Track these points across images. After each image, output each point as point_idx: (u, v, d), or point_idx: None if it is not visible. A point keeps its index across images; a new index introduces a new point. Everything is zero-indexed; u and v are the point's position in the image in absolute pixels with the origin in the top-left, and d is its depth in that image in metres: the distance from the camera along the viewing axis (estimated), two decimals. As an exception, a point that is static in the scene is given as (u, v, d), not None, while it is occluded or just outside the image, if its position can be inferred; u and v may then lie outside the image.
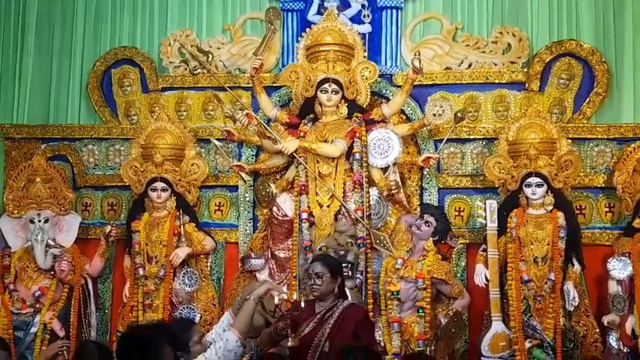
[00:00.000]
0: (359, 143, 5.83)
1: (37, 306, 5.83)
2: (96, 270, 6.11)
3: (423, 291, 5.38)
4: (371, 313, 5.45)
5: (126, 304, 5.92)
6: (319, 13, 6.32)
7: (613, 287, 5.44)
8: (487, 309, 5.50)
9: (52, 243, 5.94)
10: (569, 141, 5.79)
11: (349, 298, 4.96)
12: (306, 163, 5.81)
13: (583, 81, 6.05)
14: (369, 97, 6.05)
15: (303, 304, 4.44)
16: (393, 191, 5.72)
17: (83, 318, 5.97)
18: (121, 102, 6.62)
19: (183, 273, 5.80)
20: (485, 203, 5.58)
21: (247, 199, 6.24)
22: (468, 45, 6.29)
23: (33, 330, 5.74)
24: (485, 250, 5.54)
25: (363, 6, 6.34)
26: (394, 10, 6.34)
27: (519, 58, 6.19)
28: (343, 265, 5.34)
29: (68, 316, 5.90)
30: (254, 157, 6.29)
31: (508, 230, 5.56)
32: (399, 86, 6.06)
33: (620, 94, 6.07)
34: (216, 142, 6.08)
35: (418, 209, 5.95)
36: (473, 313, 5.69)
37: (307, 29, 6.19)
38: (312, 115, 5.98)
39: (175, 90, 6.55)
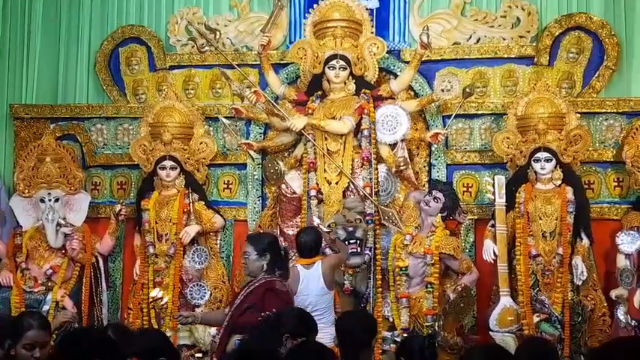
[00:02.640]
0: (367, 120, 5.82)
1: (49, 284, 5.90)
2: (106, 248, 6.16)
3: (431, 266, 5.40)
4: (379, 289, 5.51)
5: (136, 281, 5.97)
6: (326, -12, 6.28)
7: (621, 261, 5.44)
8: (495, 284, 5.52)
9: (63, 222, 5.99)
10: (579, 115, 5.77)
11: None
12: (314, 140, 5.81)
13: (593, 55, 6.00)
14: (377, 73, 6.03)
15: None
16: (402, 167, 5.72)
17: (94, 296, 6.05)
18: (129, 81, 6.63)
19: (193, 251, 5.84)
20: (493, 179, 5.58)
21: (256, 176, 6.26)
22: (476, 19, 6.25)
23: (45, 308, 5.79)
24: (493, 226, 5.54)
25: (370, -19, 6.31)
26: (402, -15, 6.31)
27: (528, 32, 6.14)
28: (351, 241, 5.39)
29: (80, 294, 5.98)
30: (262, 135, 6.30)
31: (516, 205, 5.56)
32: (407, 62, 6.03)
33: (630, 67, 6.03)
34: (225, 120, 6.08)
35: (426, 185, 5.96)
36: (481, 288, 5.70)
37: (314, 5, 6.16)
38: (320, 92, 5.97)
39: (183, 68, 6.55)
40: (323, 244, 5.18)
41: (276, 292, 4.53)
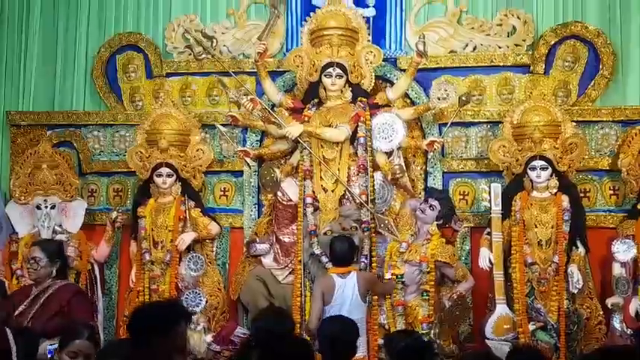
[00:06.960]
0: (363, 127, 5.83)
1: (45, 291, 5.89)
2: (102, 255, 6.15)
3: (427, 274, 5.41)
4: (375, 297, 5.49)
5: (132, 289, 5.95)
6: (323, -4, 6.30)
7: (617, 269, 5.44)
8: (491, 292, 5.51)
9: (59, 229, 5.99)
10: (574, 124, 5.78)
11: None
12: (310, 147, 5.81)
13: (588, 63, 6.02)
14: (374, 81, 6.03)
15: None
16: (398, 175, 5.72)
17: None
18: (126, 88, 6.63)
19: (189, 258, 5.82)
20: (489, 187, 5.59)
21: (252, 184, 6.26)
22: (472, 28, 6.27)
23: (41, 315, 5.79)
24: (489, 234, 5.55)
25: (367, -11, 6.32)
26: (398, -7, 6.32)
27: (524, 40, 6.17)
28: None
29: (75, 301, 5.96)
30: (258, 143, 6.30)
31: (512, 213, 5.57)
32: (404, 70, 6.04)
33: (626, 76, 6.05)
34: (221, 128, 6.09)
35: (423, 193, 5.96)
36: (477, 296, 5.71)
37: (311, 13, 6.15)
38: (316, 100, 5.98)
39: (180, 75, 6.56)
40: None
41: (84, 295, 4.82)
